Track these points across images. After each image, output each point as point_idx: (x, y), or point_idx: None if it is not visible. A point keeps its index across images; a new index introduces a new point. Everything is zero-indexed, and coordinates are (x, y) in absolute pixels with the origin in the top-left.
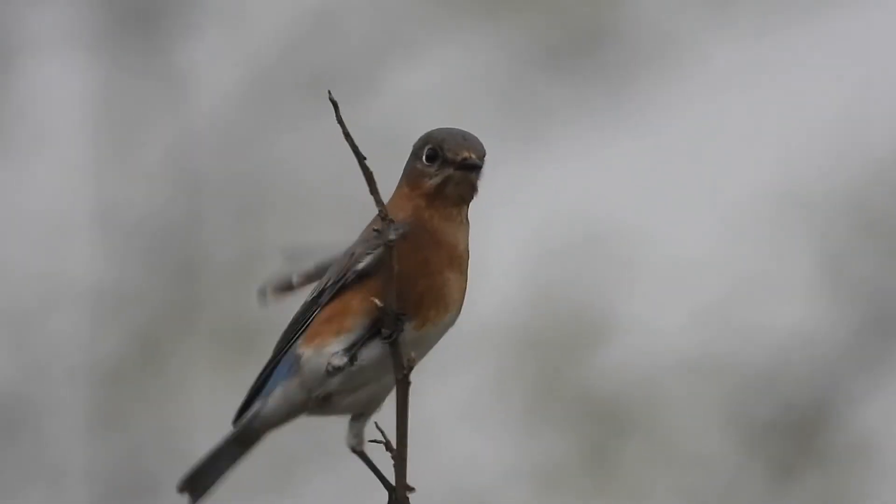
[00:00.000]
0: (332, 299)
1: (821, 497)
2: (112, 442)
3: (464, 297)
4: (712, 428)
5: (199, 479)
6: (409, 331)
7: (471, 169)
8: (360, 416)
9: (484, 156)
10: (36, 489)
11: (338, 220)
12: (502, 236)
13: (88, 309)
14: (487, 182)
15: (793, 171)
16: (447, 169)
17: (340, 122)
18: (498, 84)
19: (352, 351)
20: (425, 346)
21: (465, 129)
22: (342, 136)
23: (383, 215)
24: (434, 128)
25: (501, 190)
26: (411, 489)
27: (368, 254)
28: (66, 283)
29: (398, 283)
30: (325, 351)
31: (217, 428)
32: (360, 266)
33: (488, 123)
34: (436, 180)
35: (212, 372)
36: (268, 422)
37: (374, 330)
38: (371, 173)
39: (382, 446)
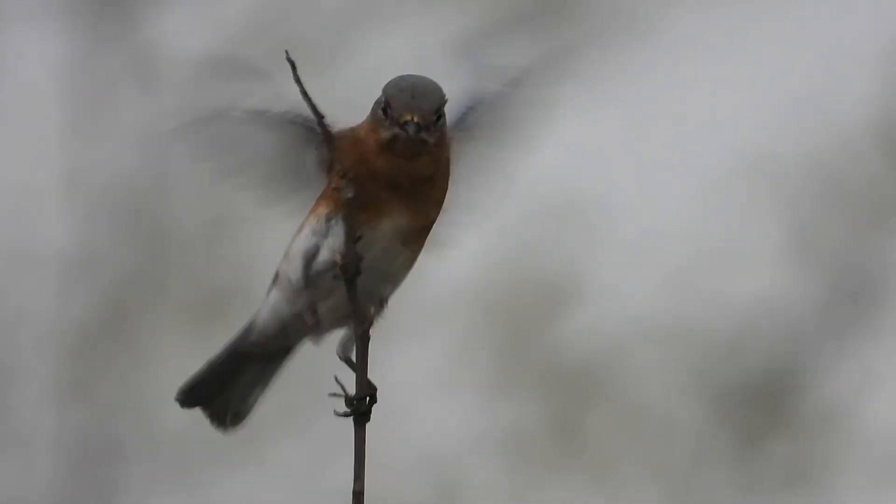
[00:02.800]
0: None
1: (788, 464)
2: (80, 410)
3: (415, 216)
4: (680, 395)
5: (195, 392)
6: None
7: (415, 130)
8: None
9: (434, 112)
10: (3, 457)
11: None
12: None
13: (56, 275)
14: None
15: (761, 139)
16: (395, 127)
17: (298, 81)
18: (468, 51)
19: (307, 269)
20: (369, 251)
21: (428, 79)
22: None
23: (342, 174)
24: (401, 75)
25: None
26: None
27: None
28: (34, 250)
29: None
30: (292, 258)
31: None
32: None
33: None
34: (386, 135)
35: (181, 339)
36: (263, 334)
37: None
38: (330, 132)
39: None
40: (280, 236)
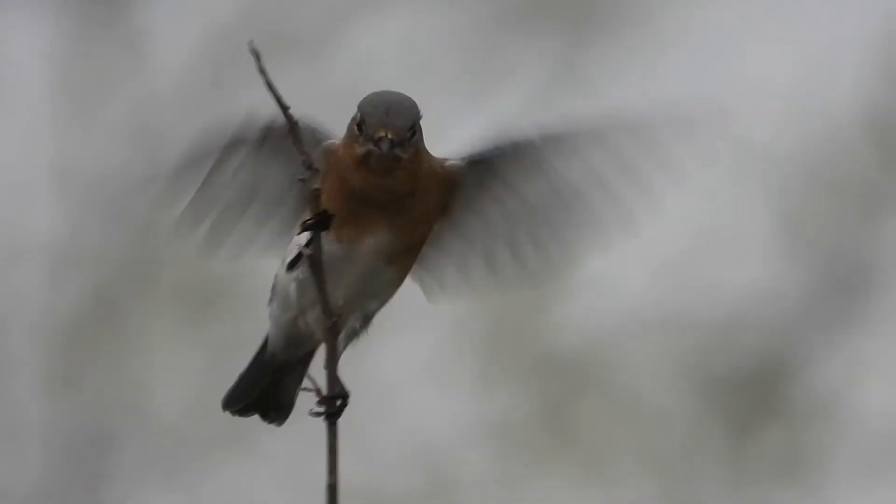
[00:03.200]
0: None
1: (779, 453)
2: (70, 401)
3: (396, 234)
4: (671, 385)
5: (238, 401)
6: (330, 245)
7: (389, 146)
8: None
9: (410, 126)
10: None
11: None
12: None
13: (47, 267)
14: (447, 136)
15: (753, 127)
16: (368, 143)
17: (262, 71)
18: (462, 43)
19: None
20: (352, 268)
21: (402, 95)
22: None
23: (307, 164)
24: (376, 91)
25: (461, 144)
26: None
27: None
28: (25, 241)
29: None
30: (283, 269)
31: (177, 385)
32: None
33: (450, 81)
34: (361, 150)
35: (171, 329)
36: (274, 346)
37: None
38: (295, 123)
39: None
40: None
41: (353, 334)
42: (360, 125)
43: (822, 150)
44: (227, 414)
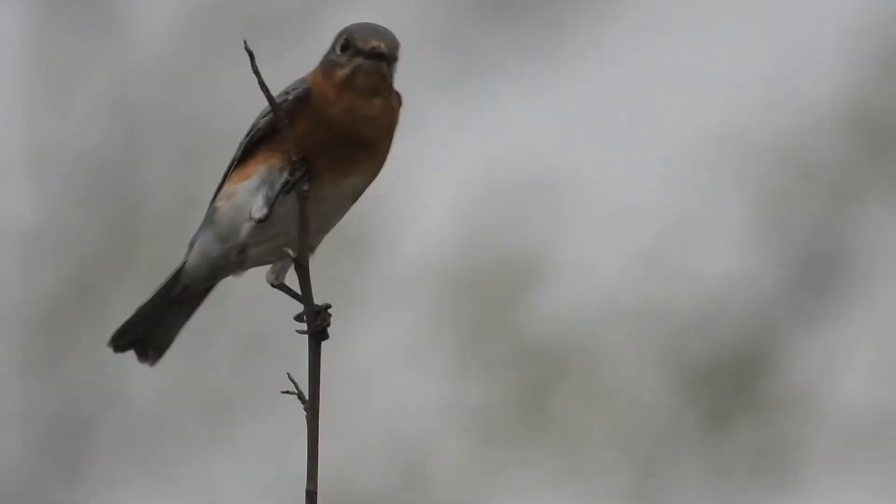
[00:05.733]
0: (244, 155)
1: (756, 443)
2: (47, 385)
3: (371, 171)
4: (648, 373)
5: (127, 335)
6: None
7: (379, 58)
8: (281, 259)
9: (396, 47)
10: None
11: None
12: (439, 179)
13: (24, 250)
14: (423, 126)
15: (729, 117)
16: (357, 59)
17: (256, 72)
18: (435, 29)
19: (271, 202)
20: (324, 207)
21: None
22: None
23: (299, 157)
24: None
25: (438, 134)
26: None
27: (265, 116)
28: (1, 225)
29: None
30: (236, 202)
31: (153, 370)
32: (262, 122)
33: (426, 68)
34: (346, 70)
35: None
36: (193, 276)
37: (284, 183)
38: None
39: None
40: None
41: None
42: (344, 47)
43: (798, 140)
44: (110, 350)
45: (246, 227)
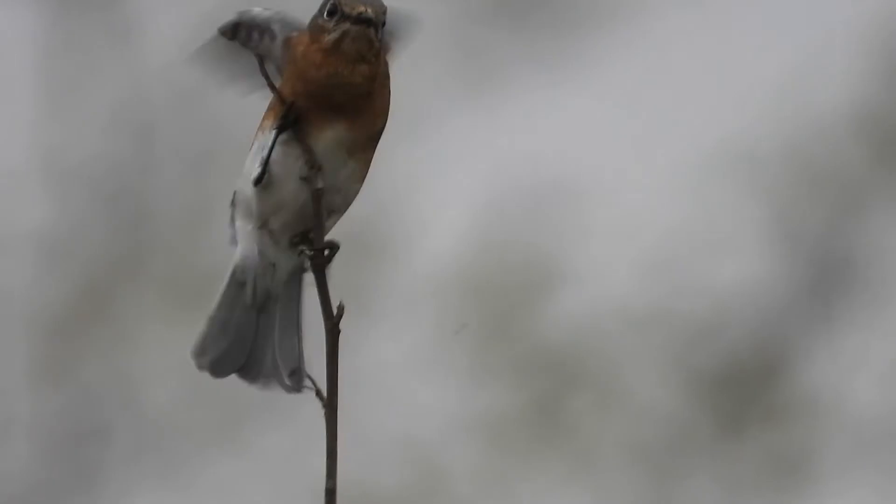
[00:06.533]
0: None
1: (769, 449)
2: (60, 392)
3: (360, 131)
4: (661, 380)
5: (210, 348)
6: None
7: (367, 24)
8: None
9: (384, 12)
10: None
11: None
12: (453, 185)
13: (37, 259)
14: (438, 131)
15: (741, 124)
16: (344, 24)
17: (265, 76)
18: (450, 35)
19: (264, 161)
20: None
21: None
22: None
23: (310, 163)
24: None
25: (452, 140)
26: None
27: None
28: (12, 230)
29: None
30: (244, 172)
31: (168, 376)
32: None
33: (441, 74)
34: (333, 35)
35: (161, 321)
36: (245, 268)
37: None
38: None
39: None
40: None
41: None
42: (332, 11)
43: (810, 146)
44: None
45: (251, 195)
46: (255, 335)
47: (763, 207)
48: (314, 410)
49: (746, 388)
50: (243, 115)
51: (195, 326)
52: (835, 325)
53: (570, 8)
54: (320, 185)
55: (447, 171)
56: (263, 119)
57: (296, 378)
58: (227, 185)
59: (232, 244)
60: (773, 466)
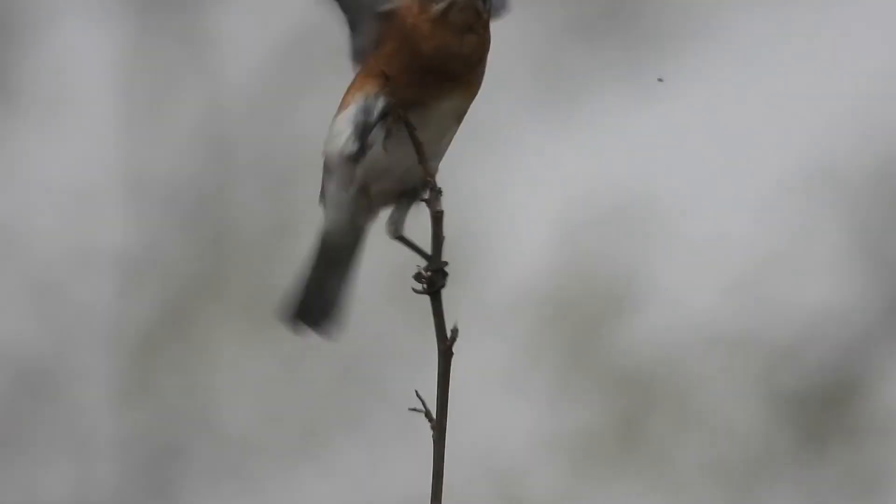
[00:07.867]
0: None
1: (850, 471)
2: (142, 411)
3: (465, 98)
4: (742, 401)
5: (303, 307)
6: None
7: None
8: (398, 206)
9: None
10: (65, 459)
11: None
12: (536, 205)
13: (118, 277)
14: (520, 151)
15: (824, 145)
16: None
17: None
18: (531, 54)
19: (362, 135)
20: (427, 131)
21: None
22: None
23: (431, 185)
24: None
25: (535, 159)
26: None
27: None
28: (96, 251)
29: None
30: (337, 141)
31: (248, 395)
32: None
33: (522, 93)
34: (441, 5)
35: (241, 341)
36: (333, 232)
37: (382, 112)
38: (420, 143)
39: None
40: None
41: (416, 196)
42: None
43: (893, 168)
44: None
45: (350, 165)
46: (323, 289)
47: (846, 227)
48: (396, 429)
49: (826, 407)
50: (322, 131)
51: (274, 345)
52: None
53: (651, 26)
54: (440, 207)
55: (530, 190)
56: (361, 82)
57: (332, 324)
58: (307, 202)
59: (322, 206)
60: (852, 485)
